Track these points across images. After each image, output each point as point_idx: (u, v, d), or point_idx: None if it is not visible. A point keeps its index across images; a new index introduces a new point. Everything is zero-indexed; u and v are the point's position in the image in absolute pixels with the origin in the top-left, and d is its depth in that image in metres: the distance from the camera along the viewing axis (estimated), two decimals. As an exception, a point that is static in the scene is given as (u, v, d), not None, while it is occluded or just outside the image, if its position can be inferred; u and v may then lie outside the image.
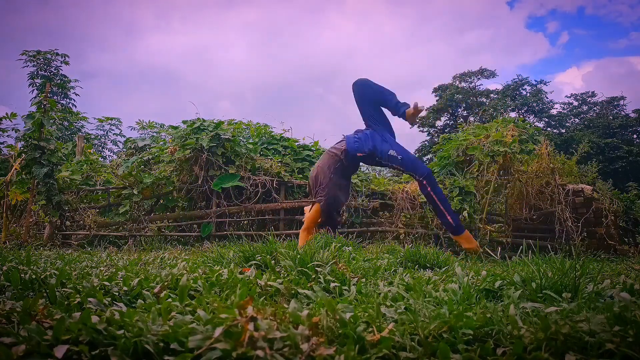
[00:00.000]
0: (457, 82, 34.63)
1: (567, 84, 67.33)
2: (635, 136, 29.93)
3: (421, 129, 33.85)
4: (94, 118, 17.18)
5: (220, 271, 1.79)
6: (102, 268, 2.32)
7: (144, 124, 12.26)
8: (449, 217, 4.03)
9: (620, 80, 53.25)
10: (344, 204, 4.50)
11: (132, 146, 9.18)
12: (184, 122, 7.31)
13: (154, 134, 11.23)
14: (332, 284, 1.69)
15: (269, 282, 1.61)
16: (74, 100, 19.57)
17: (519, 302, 1.36)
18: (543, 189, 7.28)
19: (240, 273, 1.81)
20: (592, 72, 63.23)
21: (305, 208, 4.53)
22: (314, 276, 1.84)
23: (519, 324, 1.05)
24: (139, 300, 1.44)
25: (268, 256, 2.20)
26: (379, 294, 1.53)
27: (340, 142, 4.17)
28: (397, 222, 6.58)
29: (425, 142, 32.38)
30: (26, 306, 1.07)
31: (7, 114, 6.71)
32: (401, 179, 7.92)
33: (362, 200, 6.61)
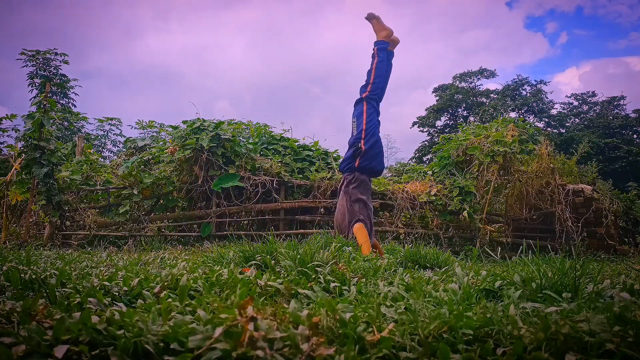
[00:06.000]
0: (457, 82, 34.64)
1: (565, 84, 67.38)
2: (635, 136, 29.95)
3: (421, 129, 33.85)
4: (94, 118, 17.21)
5: (220, 271, 1.79)
6: (102, 268, 2.32)
7: (144, 123, 12.27)
8: None
9: (617, 80, 53.30)
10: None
11: (132, 146, 9.18)
12: (184, 122, 7.32)
13: (154, 133, 11.23)
14: (332, 284, 1.69)
15: (269, 282, 1.61)
16: (74, 100, 19.59)
17: (519, 302, 1.36)
18: (543, 189, 7.28)
19: (240, 273, 1.81)
20: (589, 72, 63.27)
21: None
22: (314, 276, 1.84)
23: (519, 324, 1.05)
24: (139, 300, 1.43)
25: (268, 256, 2.20)
26: (379, 294, 1.53)
27: None
28: (397, 222, 6.58)
29: (425, 142, 32.36)
30: (26, 306, 1.07)
31: (7, 114, 6.73)
32: (401, 179, 7.92)
33: (362, 200, 6.60)
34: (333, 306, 1.08)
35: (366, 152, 3.98)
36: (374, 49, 4.25)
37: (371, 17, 4.29)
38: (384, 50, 4.22)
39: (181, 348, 0.90)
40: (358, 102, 4.19)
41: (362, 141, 3.99)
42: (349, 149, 4.10)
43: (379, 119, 4.21)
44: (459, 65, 75.83)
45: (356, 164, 4.00)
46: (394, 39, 4.31)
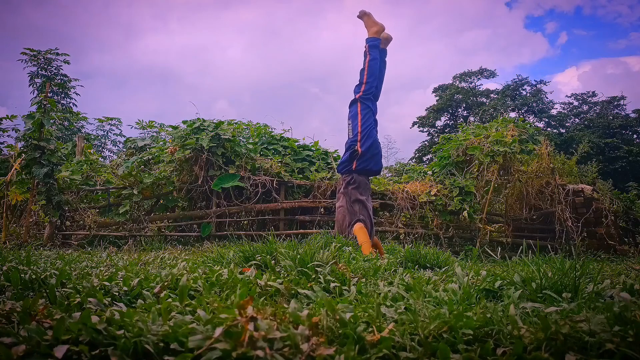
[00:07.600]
0: (457, 82, 34.63)
1: (565, 84, 67.35)
2: (635, 136, 29.93)
3: (421, 129, 33.84)
4: (94, 118, 17.17)
5: (220, 271, 1.79)
6: (102, 268, 2.32)
7: (144, 123, 12.26)
8: None
9: (617, 80, 53.26)
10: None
11: (132, 146, 9.18)
12: (184, 122, 7.31)
13: (154, 133, 11.23)
14: (332, 284, 1.69)
15: (269, 282, 1.61)
16: (75, 100, 19.57)
17: (519, 302, 1.36)
18: (543, 189, 7.28)
19: (240, 273, 1.81)
20: (588, 72, 63.22)
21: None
22: (314, 276, 1.84)
23: (519, 324, 1.05)
24: (139, 300, 1.43)
25: (268, 256, 2.20)
26: (379, 294, 1.53)
27: None
28: (397, 222, 6.58)
29: (425, 142, 32.35)
30: (26, 306, 1.07)
31: (7, 114, 6.74)
32: (401, 179, 7.92)
33: (362, 200, 6.59)
34: (333, 306, 1.08)
35: (363, 155, 3.94)
36: (365, 47, 4.16)
37: (362, 14, 4.25)
38: (376, 47, 4.14)
39: (181, 348, 0.90)
40: (352, 103, 4.12)
41: (359, 144, 3.94)
42: (345, 152, 4.07)
43: (376, 117, 4.15)
44: (459, 65, 75.97)
45: (353, 166, 3.97)
46: (386, 36, 4.23)
